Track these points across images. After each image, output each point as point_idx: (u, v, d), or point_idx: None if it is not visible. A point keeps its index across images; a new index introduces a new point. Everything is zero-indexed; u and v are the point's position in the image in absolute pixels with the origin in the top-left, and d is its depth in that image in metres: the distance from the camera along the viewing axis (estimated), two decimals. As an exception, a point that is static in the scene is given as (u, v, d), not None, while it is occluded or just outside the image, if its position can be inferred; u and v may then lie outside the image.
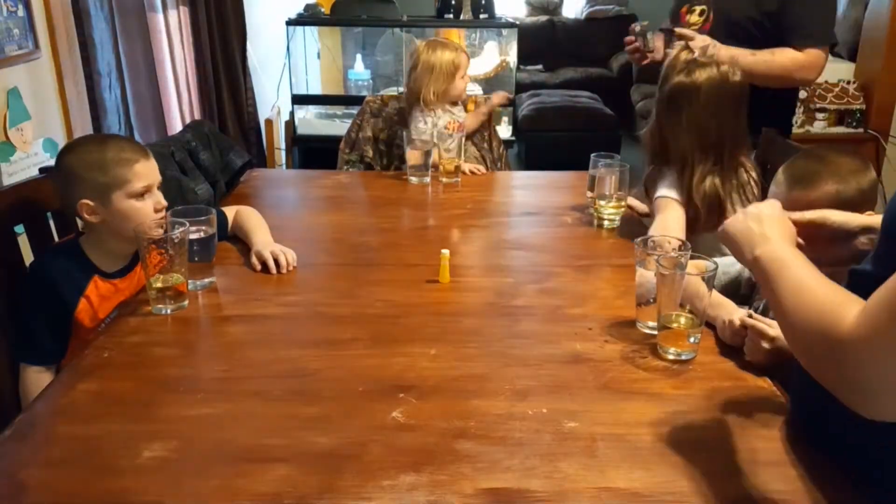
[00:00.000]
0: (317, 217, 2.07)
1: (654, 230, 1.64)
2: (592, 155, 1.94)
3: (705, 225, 1.66)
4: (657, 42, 2.22)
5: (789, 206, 1.26)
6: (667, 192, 1.69)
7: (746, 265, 1.02)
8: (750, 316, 1.24)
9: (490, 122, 2.80)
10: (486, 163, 2.72)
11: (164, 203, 1.51)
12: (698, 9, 2.19)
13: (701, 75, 1.64)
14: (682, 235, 1.60)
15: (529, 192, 2.31)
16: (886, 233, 0.90)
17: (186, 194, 2.10)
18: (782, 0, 2.05)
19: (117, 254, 1.51)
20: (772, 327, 1.18)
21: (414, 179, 2.26)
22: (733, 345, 1.26)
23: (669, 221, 1.64)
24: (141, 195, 1.46)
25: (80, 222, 1.54)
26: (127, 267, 1.53)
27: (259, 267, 1.60)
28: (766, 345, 1.18)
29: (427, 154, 2.23)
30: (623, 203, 1.89)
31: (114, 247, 1.50)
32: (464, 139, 2.34)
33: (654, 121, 1.74)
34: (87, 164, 1.44)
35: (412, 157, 2.24)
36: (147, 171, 1.48)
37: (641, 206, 1.92)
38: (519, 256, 1.76)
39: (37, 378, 1.41)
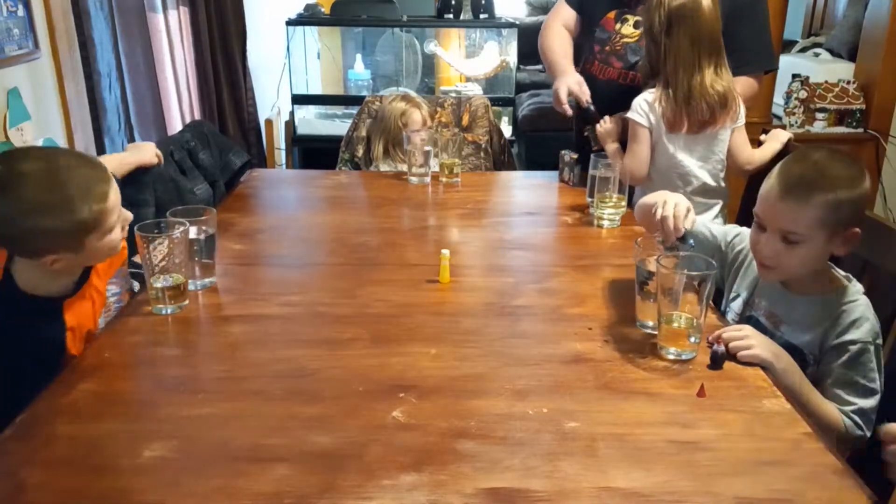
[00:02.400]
0: (317, 217, 2.07)
1: (626, 158, 1.95)
2: (592, 155, 1.94)
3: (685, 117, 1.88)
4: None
5: (777, 214, 1.28)
6: (634, 115, 1.93)
7: None
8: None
9: (488, 118, 2.80)
10: (489, 160, 2.73)
11: (130, 217, 1.30)
12: (632, 19, 2.10)
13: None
14: (648, 163, 1.94)
15: (529, 192, 2.31)
16: None
17: (184, 195, 2.10)
18: (726, 22, 1.95)
19: (62, 288, 1.28)
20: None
21: (414, 179, 2.26)
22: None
23: (641, 153, 1.94)
24: (113, 229, 1.23)
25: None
26: (75, 289, 1.31)
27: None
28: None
29: (427, 154, 2.23)
30: (623, 203, 1.90)
31: (60, 281, 1.27)
32: (461, 138, 2.35)
33: (650, 37, 1.92)
34: (43, 208, 1.12)
35: (413, 157, 2.24)
36: (117, 196, 1.23)
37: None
38: (519, 256, 1.76)
39: None
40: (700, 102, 1.85)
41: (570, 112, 2.13)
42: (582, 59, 2.24)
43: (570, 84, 2.11)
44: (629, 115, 1.94)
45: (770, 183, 1.31)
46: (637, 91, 1.97)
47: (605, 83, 2.15)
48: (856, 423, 1.24)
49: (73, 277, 1.29)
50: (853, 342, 1.25)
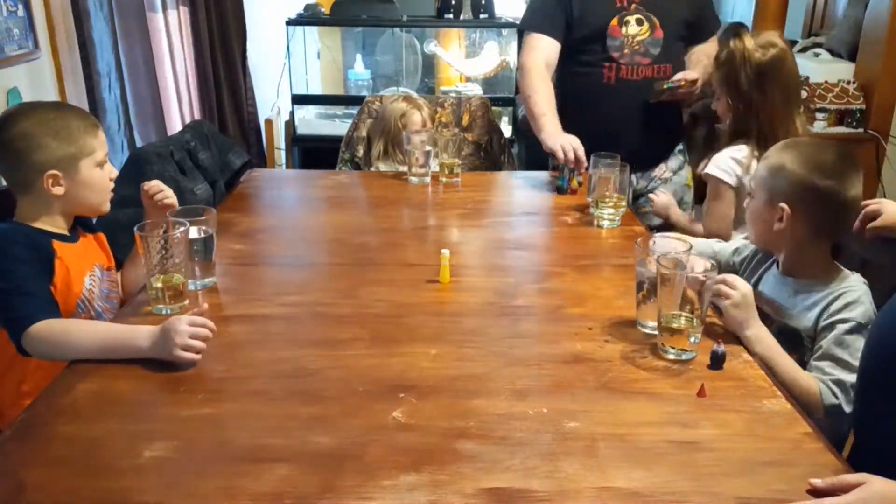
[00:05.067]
0: (317, 217, 2.07)
1: (707, 219, 1.90)
2: (592, 155, 1.94)
3: None
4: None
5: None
6: (719, 173, 1.84)
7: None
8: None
9: (488, 118, 2.80)
10: (489, 160, 2.73)
11: (116, 172, 1.49)
12: (633, 18, 2.16)
13: (771, 51, 1.81)
14: (731, 223, 1.84)
15: (529, 192, 2.31)
16: None
17: (185, 195, 2.10)
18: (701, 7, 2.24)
19: (57, 228, 1.43)
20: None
21: (414, 179, 2.26)
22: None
23: (724, 212, 1.85)
24: (102, 164, 1.44)
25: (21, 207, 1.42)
26: (70, 238, 1.45)
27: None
28: None
29: (427, 154, 2.23)
30: (623, 203, 1.89)
31: (51, 223, 1.42)
32: (461, 138, 2.35)
33: (738, 95, 1.83)
34: (53, 131, 1.36)
35: (412, 157, 2.24)
36: (104, 140, 1.46)
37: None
38: (519, 256, 1.75)
39: (52, 323, 1.24)
40: None
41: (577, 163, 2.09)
42: (595, 73, 2.24)
43: (564, 143, 2.08)
44: (711, 171, 1.86)
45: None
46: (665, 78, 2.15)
47: (641, 82, 2.22)
48: (832, 390, 1.26)
49: (65, 220, 1.44)
50: (846, 320, 1.30)
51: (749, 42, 1.80)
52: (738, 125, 1.84)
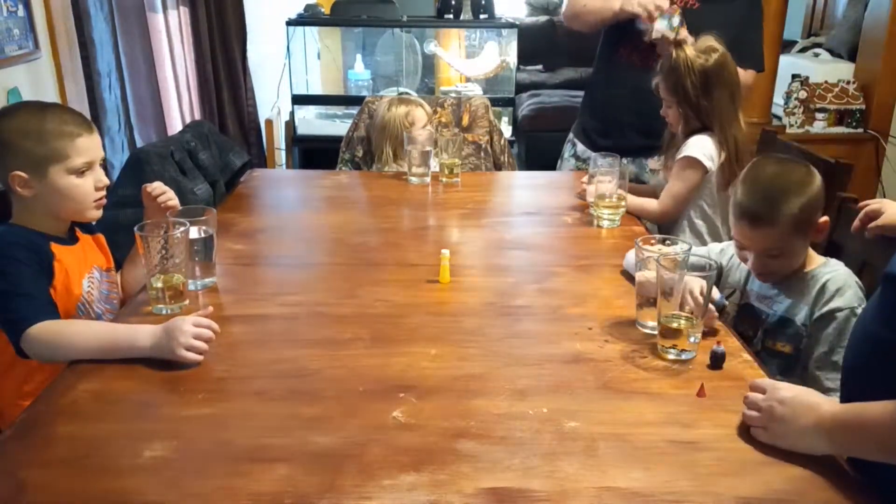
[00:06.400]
0: (317, 217, 2.07)
1: (668, 196, 1.93)
2: (592, 155, 1.94)
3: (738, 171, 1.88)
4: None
5: (754, 241, 1.39)
6: (697, 154, 1.88)
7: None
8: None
9: (488, 118, 2.80)
10: (489, 160, 2.73)
11: (106, 181, 1.44)
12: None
13: (714, 56, 1.87)
14: (688, 200, 1.92)
15: (529, 192, 2.31)
16: None
17: (185, 195, 2.10)
18: (743, 26, 2.14)
19: (53, 230, 1.41)
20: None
21: (414, 179, 2.26)
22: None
23: (684, 196, 1.92)
24: (81, 172, 1.38)
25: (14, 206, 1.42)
26: (67, 240, 1.44)
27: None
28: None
29: (427, 154, 2.23)
30: (623, 203, 1.89)
31: (47, 225, 1.40)
32: (461, 138, 2.35)
33: (686, 102, 1.90)
34: (24, 133, 1.34)
35: (413, 157, 2.24)
36: (89, 147, 1.39)
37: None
38: (519, 256, 1.76)
39: (50, 324, 1.24)
40: (745, 155, 1.88)
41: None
42: (614, 52, 2.28)
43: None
44: (692, 153, 1.88)
45: (737, 214, 1.40)
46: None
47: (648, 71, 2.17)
48: None
49: (58, 223, 1.42)
50: (839, 309, 1.33)
51: (690, 51, 1.87)
52: (691, 130, 1.92)
